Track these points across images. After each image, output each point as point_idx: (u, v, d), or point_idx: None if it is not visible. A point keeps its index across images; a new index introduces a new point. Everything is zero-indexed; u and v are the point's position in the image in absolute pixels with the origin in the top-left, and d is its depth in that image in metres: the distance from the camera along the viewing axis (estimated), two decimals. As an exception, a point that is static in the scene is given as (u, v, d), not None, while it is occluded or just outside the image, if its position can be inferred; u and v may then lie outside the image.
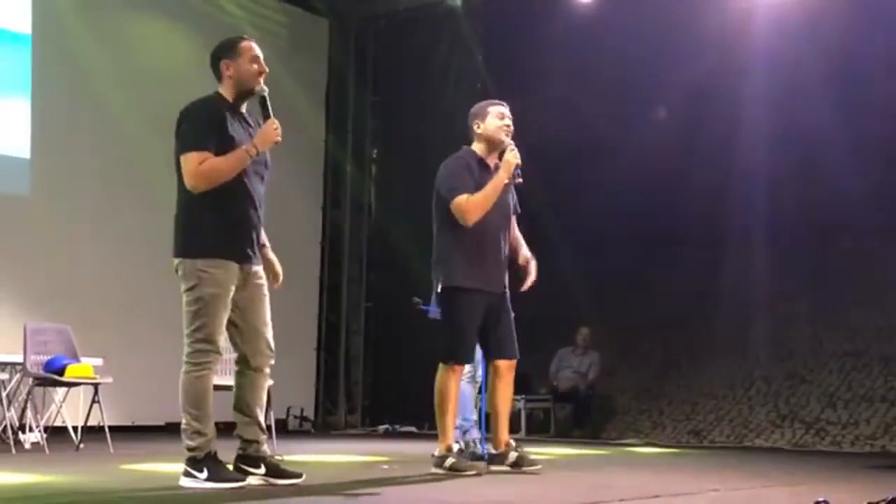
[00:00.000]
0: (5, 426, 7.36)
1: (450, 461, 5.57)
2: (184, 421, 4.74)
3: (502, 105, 5.85)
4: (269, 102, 4.87)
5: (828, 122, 9.59)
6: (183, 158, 4.71)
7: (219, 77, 4.89)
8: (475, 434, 7.22)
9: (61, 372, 7.35)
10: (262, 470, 4.86)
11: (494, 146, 5.77)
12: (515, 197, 5.97)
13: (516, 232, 6.11)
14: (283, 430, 10.47)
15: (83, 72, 10.10)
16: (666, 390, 10.99)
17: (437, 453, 5.66)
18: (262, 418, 4.96)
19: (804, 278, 10.40)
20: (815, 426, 9.74)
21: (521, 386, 10.93)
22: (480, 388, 7.42)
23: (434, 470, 5.60)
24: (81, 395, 8.12)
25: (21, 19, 9.64)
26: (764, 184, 10.30)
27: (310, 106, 11.91)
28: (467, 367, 7.27)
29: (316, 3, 12.32)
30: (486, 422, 7.41)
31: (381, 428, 11.50)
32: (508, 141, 5.70)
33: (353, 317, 12.65)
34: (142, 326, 10.00)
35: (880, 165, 9.84)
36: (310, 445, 8.59)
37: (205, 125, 4.73)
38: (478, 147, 5.80)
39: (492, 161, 5.80)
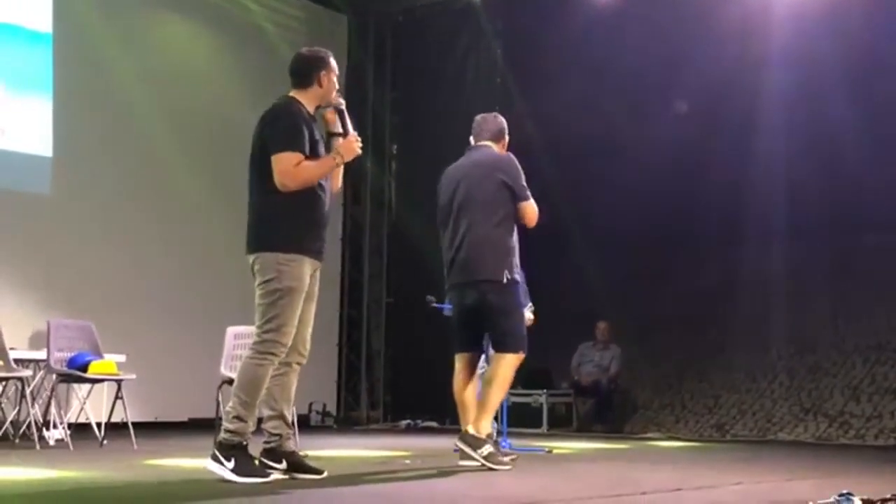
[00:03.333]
0: (29, 423, 7.40)
1: (487, 449, 5.57)
2: (230, 404, 4.81)
3: None
4: (347, 115, 5.08)
5: (848, 117, 9.53)
6: (277, 157, 4.83)
7: (307, 84, 5.04)
8: (492, 428, 7.19)
9: (85, 368, 7.40)
10: (284, 465, 4.89)
11: None
12: None
13: None
14: (305, 425, 10.50)
15: (104, 70, 10.15)
16: (688, 384, 10.96)
17: (472, 431, 5.64)
18: (288, 414, 5.00)
19: (825, 272, 10.33)
20: (838, 419, 9.70)
21: (542, 380, 10.99)
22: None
23: (460, 445, 5.59)
24: (105, 392, 8.16)
25: (42, 18, 9.69)
26: (784, 179, 10.24)
27: (329, 102, 11.93)
28: (480, 363, 7.30)
29: (334, 0, 12.33)
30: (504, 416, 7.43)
31: (403, 423, 11.53)
32: None
33: (374, 312, 12.67)
34: (164, 323, 10.06)
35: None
36: (332, 440, 8.62)
37: (299, 128, 4.89)
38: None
39: None
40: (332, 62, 5.10)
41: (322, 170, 4.92)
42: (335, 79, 5.09)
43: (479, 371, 7.27)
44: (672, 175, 10.54)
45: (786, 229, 10.34)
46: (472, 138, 6.21)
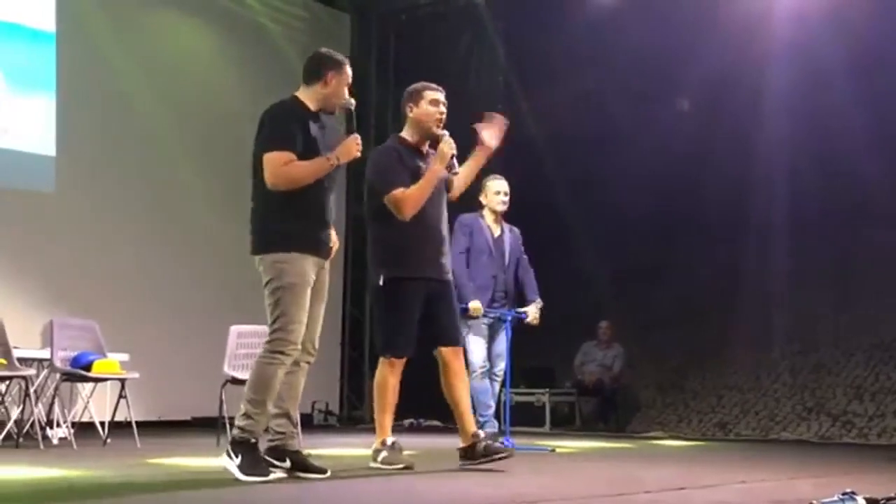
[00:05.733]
0: (33, 422, 7.40)
1: (382, 455, 5.49)
2: (243, 401, 4.80)
3: (439, 91, 5.67)
4: (354, 116, 5.03)
5: (850, 112, 9.52)
6: (266, 158, 4.81)
7: (314, 80, 4.99)
8: (493, 428, 7.20)
9: (88, 367, 7.39)
10: (288, 464, 4.89)
11: (424, 132, 5.63)
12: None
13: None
14: (307, 424, 10.48)
15: (107, 69, 10.15)
16: (691, 383, 10.96)
17: (373, 446, 5.60)
18: (294, 412, 5.00)
19: (829, 269, 10.33)
20: (841, 418, 9.69)
21: (545, 379, 10.99)
22: (504, 381, 7.42)
23: (371, 465, 5.51)
24: (108, 391, 8.16)
25: (46, 18, 9.70)
26: (786, 175, 10.24)
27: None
28: (480, 363, 7.27)
29: (338, -2, 12.34)
30: (503, 415, 7.43)
31: (406, 422, 11.49)
32: (442, 131, 5.56)
33: (377, 311, 12.64)
34: (168, 322, 10.06)
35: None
36: (334, 439, 8.61)
37: (291, 127, 4.85)
38: (407, 132, 5.67)
39: (423, 147, 5.66)
40: (347, 69, 5.04)
41: (314, 169, 4.86)
42: (345, 86, 5.01)
43: (479, 371, 7.27)
44: (675, 172, 10.54)
45: (789, 227, 10.33)
46: None
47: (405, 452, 5.61)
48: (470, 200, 6.99)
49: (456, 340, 5.69)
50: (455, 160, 5.62)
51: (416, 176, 5.51)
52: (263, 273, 4.87)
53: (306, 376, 5.08)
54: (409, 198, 5.45)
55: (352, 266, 12.52)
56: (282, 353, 4.80)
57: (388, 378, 5.62)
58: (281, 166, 4.80)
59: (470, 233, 7.34)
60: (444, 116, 5.63)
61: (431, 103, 5.62)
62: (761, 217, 10.52)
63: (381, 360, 5.62)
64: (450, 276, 5.72)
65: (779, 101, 10.17)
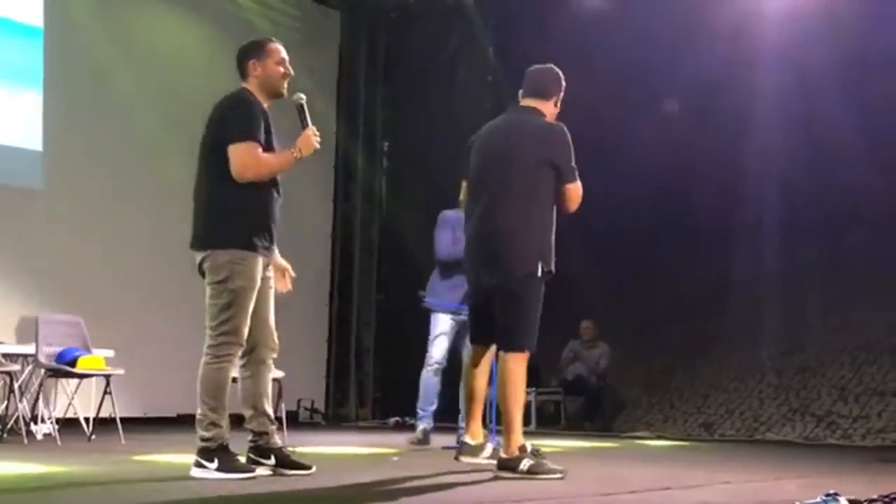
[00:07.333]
0: (17, 417, 7.39)
1: (527, 463, 5.05)
2: (199, 411, 4.77)
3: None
4: (306, 111, 4.94)
5: (840, 115, 9.56)
6: (235, 147, 4.74)
7: (244, 76, 4.96)
8: (428, 424, 7.40)
9: (73, 363, 7.38)
10: (273, 461, 4.89)
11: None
12: None
13: None
14: (293, 422, 10.48)
15: (95, 64, 10.11)
16: (676, 383, 10.98)
17: (505, 454, 5.10)
18: (269, 409, 4.98)
19: (816, 271, 10.37)
20: (826, 420, 9.72)
21: (530, 378, 10.98)
22: (490, 380, 7.41)
23: (502, 474, 5.04)
24: (93, 387, 8.15)
25: (33, 12, 9.66)
26: (776, 177, 10.28)
27: (320, 98, 11.86)
28: (439, 359, 7.30)
29: (327, -4, 12.33)
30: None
31: (392, 420, 11.50)
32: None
33: (365, 309, 12.65)
34: (153, 318, 10.03)
35: (893, 158, 9.79)
36: (320, 437, 8.60)
37: (255, 118, 4.80)
38: (551, 113, 5.44)
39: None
40: (273, 46, 4.94)
41: (281, 163, 4.84)
42: (279, 64, 4.92)
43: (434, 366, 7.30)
44: (664, 174, 10.56)
45: (777, 229, 10.37)
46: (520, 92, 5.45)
47: (396, 450, 5.58)
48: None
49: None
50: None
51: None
52: (211, 270, 4.80)
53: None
54: (579, 190, 5.18)
55: (339, 264, 12.52)
56: (231, 355, 4.78)
57: (524, 373, 5.13)
58: (252, 157, 4.74)
59: (452, 228, 7.25)
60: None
61: (561, 103, 5.44)
62: (749, 219, 10.55)
63: (515, 354, 5.09)
64: None
65: (769, 104, 10.20)
